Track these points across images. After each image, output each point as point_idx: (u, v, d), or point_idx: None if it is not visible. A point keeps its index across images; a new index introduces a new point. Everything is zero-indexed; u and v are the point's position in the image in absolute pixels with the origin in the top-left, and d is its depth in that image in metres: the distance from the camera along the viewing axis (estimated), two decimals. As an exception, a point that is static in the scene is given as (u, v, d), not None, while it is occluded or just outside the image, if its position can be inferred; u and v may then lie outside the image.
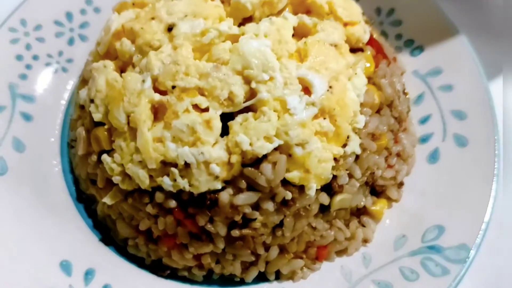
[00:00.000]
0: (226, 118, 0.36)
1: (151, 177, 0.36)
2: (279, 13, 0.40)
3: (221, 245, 0.39)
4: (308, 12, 0.41)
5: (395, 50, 0.51)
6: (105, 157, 0.38)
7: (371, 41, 0.42)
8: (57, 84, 0.48)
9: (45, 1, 0.50)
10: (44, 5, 0.50)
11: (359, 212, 0.42)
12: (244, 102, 0.35)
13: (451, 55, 0.48)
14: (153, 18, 0.38)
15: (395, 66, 0.47)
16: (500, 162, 0.42)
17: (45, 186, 0.44)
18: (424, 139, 0.46)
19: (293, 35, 0.39)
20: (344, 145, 0.37)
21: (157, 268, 0.41)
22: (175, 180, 0.35)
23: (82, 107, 0.41)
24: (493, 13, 0.56)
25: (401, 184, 0.44)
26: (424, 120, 0.47)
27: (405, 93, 0.47)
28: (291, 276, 0.41)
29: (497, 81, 0.51)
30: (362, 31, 0.41)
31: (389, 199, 0.43)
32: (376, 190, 0.42)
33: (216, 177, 0.35)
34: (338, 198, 0.38)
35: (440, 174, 0.44)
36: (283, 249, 0.40)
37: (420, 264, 0.39)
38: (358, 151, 0.38)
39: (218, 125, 0.35)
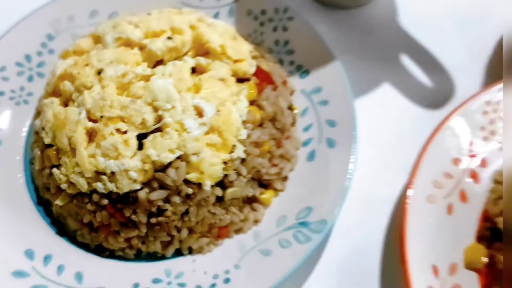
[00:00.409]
0: (141, 137, 0.49)
1: (88, 183, 0.49)
2: (183, 56, 0.53)
3: (144, 230, 0.50)
4: (206, 53, 0.54)
5: (288, 74, 0.64)
6: (55, 170, 0.51)
7: (257, 72, 0.55)
8: (20, 114, 0.59)
9: (8, 47, 0.63)
10: (7, 50, 0.63)
11: (251, 200, 0.54)
12: (153, 125, 0.49)
13: (329, 77, 0.61)
14: (87, 65, 0.51)
15: (284, 88, 0.61)
16: (356, 157, 0.56)
17: (12, 194, 0.55)
18: (305, 143, 0.58)
19: (193, 72, 0.53)
20: (231, 152, 0.51)
21: (99, 251, 0.53)
22: (105, 184, 0.48)
23: (37, 133, 0.54)
24: (367, 42, 0.71)
25: (285, 178, 0.57)
26: (306, 128, 0.59)
27: (291, 108, 0.61)
28: (200, 250, 0.52)
29: (363, 96, 0.66)
30: (248, 66, 0.54)
31: (275, 190, 0.57)
32: (263, 183, 0.56)
33: (135, 181, 0.48)
34: (229, 190, 0.51)
35: (315, 168, 0.57)
36: (191, 231, 0.51)
37: (292, 236, 0.51)
38: (243, 155, 0.51)
39: (134, 143, 0.48)
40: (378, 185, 0.59)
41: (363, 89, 0.66)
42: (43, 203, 0.57)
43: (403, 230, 0.51)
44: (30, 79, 0.62)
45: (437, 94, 0.66)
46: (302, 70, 0.62)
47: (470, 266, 0.53)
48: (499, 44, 0.69)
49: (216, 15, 0.66)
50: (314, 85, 0.61)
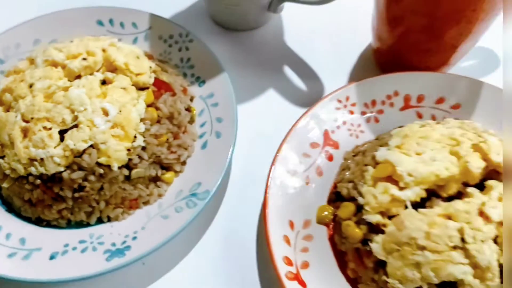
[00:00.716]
0: (63, 132, 0.66)
1: (25, 168, 0.65)
2: (95, 71, 0.71)
3: (70, 203, 0.65)
4: (115, 69, 0.72)
5: (189, 84, 0.82)
6: (0, 160, 0.68)
7: (156, 83, 0.73)
8: None
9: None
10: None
11: (155, 179, 0.70)
12: (71, 123, 0.66)
13: (219, 85, 0.78)
14: (22, 80, 0.68)
15: (183, 95, 0.79)
16: (234, 146, 0.73)
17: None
18: (201, 136, 0.76)
19: (103, 84, 0.70)
20: (133, 142, 0.68)
21: (38, 222, 0.69)
22: (37, 168, 0.65)
23: None
24: (257, 57, 0.89)
25: (184, 162, 0.74)
26: (202, 125, 0.76)
27: (189, 110, 0.79)
28: (116, 218, 0.67)
29: (251, 99, 0.84)
30: (147, 78, 0.72)
31: (175, 171, 0.74)
32: (164, 166, 0.73)
33: (59, 164, 0.64)
34: (134, 171, 0.68)
35: (206, 155, 0.74)
36: (108, 203, 0.67)
37: (185, 204, 0.68)
38: (143, 144, 0.68)
39: (56, 136, 0.64)
40: (255, 166, 0.76)
41: (251, 94, 0.84)
42: (-5, 188, 0.72)
43: (266, 195, 0.68)
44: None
45: (310, 96, 0.84)
46: (200, 81, 0.80)
47: (320, 221, 0.70)
48: (361, 55, 0.88)
49: (134, 40, 0.84)
50: (209, 91, 0.78)
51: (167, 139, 0.71)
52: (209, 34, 0.89)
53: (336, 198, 0.71)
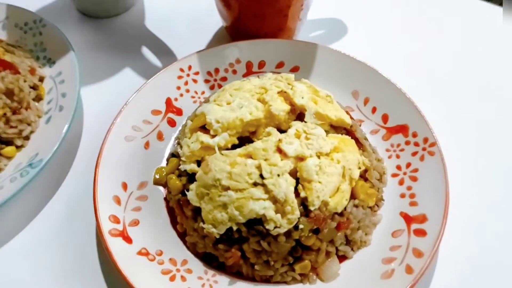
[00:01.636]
0: None
1: None
2: None
3: None
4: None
5: (41, 65, 0.83)
6: None
7: None
8: None
9: None
10: None
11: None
12: None
13: (67, 64, 0.82)
14: None
15: (29, 75, 0.80)
16: (74, 117, 0.75)
17: None
18: (47, 112, 0.79)
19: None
20: None
21: None
22: None
23: None
24: (118, 41, 0.93)
25: (27, 137, 0.76)
26: (49, 102, 0.80)
27: (35, 88, 0.81)
28: None
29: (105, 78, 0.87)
30: None
31: (17, 146, 0.75)
32: (5, 141, 0.75)
33: None
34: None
35: (49, 129, 0.77)
36: None
37: (19, 174, 0.70)
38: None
39: None
40: (100, 135, 0.77)
41: (107, 74, 0.86)
42: None
43: (97, 160, 0.70)
44: None
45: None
46: (51, 62, 0.82)
47: (156, 182, 0.72)
48: (216, 34, 0.92)
49: (-8, 29, 0.87)
50: (57, 71, 0.81)
51: (5, 114, 0.72)
52: (73, 22, 0.93)
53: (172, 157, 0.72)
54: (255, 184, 0.59)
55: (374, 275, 0.60)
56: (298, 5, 0.77)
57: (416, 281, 0.58)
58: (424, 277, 0.61)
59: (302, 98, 0.64)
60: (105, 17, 0.94)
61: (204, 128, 0.65)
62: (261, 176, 0.59)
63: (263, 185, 0.59)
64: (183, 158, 0.64)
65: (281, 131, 0.64)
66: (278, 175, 0.58)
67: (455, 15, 0.94)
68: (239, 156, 0.60)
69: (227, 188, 0.59)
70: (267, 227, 0.58)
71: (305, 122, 0.63)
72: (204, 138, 0.63)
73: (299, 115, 0.65)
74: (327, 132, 0.64)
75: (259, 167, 0.59)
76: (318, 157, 0.60)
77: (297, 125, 0.62)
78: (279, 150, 0.60)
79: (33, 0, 0.92)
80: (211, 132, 0.64)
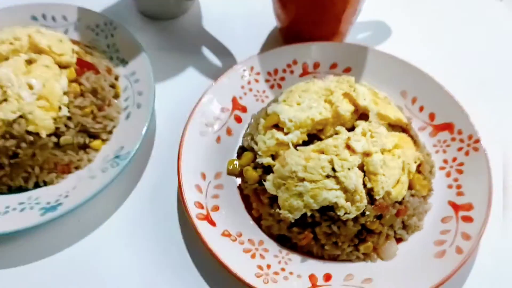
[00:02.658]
0: None
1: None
2: (23, 54, 0.81)
3: (8, 169, 0.74)
4: (41, 51, 0.82)
5: (114, 65, 0.93)
6: None
7: (79, 62, 0.84)
8: None
9: None
10: None
11: (84, 146, 0.81)
12: (1, 98, 0.76)
13: (140, 64, 0.88)
14: None
15: (107, 75, 0.89)
16: (152, 114, 0.84)
17: None
18: (125, 108, 0.87)
19: (30, 63, 0.81)
20: (59, 112, 0.79)
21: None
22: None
23: None
24: (179, 41, 1.01)
25: (110, 132, 0.85)
26: (126, 99, 0.87)
27: (114, 87, 0.90)
28: (51, 182, 0.75)
29: (172, 76, 0.95)
30: (69, 58, 0.82)
31: (103, 139, 0.85)
32: (92, 135, 0.84)
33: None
34: (62, 138, 0.78)
35: (129, 123, 0.86)
36: (42, 168, 0.77)
37: (110, 165, 0.77)
38: (68, 114, 0.78)
39: None
40: (174, 131, 0.86)
41: (172, 72, 0.95)
42: None
43: (179, 154, 0.79)
44: None
45: (225, 70, 0.95)
46: (124, 62, 0.91)
47: (229, 173, 0.81)
48: (270, 35, 1.00)
49: (66, 31, 0.94)
50: (131, 70, 0.89)
51: (92, 111, 0.81)
52: (136, 24, 1.01)
53: (241, 151, 0.81)
54: (327, 176, 0.68)
55: (428, 255, 0.70)
56: (352, 11, 0.85)
57: (466, 260, 0.67)
58: (470, 260, 0.70)
59: (365, 99, 0.73)
60: (165, 19, 1.02)
61: (276, 126, 0.74)
62: (333, 170, 0.68)
63: (335, 177, 0.68)
64: (259, 153, 0.73)
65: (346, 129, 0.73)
66: (349, 169, 0.67)
67: (496, 17, 1.02)
68: (312, 151, 0.69)
69: (302, 180, 0.68)
70: (338, 213, 0.67)
71: (369, 121, 0.72)
72: (279, 135, 0.72)
73: (361, 115, 0.74)
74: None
75: (331, 162, 0.68)
76: (382, 153, 0.69)
77: (362, 124, 0.71)
78: (348, 147, 0.69)
79: (95, 2, 0.99)
80: (285, 130, 0.72)
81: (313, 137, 0.73)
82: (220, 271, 0.70)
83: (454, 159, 0.78)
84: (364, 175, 0.68)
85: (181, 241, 0.76)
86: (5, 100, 0.74)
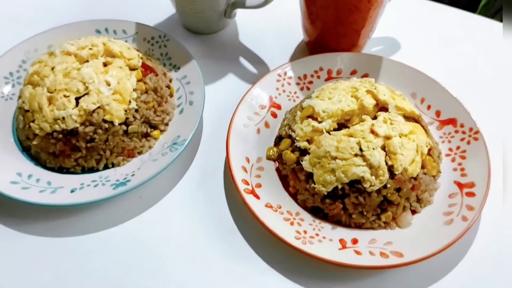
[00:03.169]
0: (78, 99, 0.92)
1: (50, 126, 0.90)
2: (100, 57, 0.98)
3: (84, 152, 0.91)
4: (113, 56, 0.99)
5: (168, 70, 1.10)
6: (31, 124, 0.93)
7: (143, 65, 1.00)
8: (8, 106, 1.02)
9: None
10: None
11: (146, 135, 0.95)
12: (83, 92, 0.91)
13: (190, 69, 1.06)
14: (46, 66, 0.94)
15: (163, 77, 1.06)
16: (203, 110, 1.00)
17: (6, 149, 0.94)
18: (179, 105, 1.03)
19: (105, 66, 0.97)
20: (129, 105, 0.94)
21: (60, 170, 0.92)
22: (59, 125, 0.90)
23: (19, 108, 0.96)
24: (219, 52, 1.18)
25: (167, 124, 1.00)
26: (179, 98, 1.04)
27: (169, 87, 1.06)
28: (118, 164, 0.89)
29: (217, 79, 1.12)
30: (136, 62, 0.99)
31: (161, 130, 1.00)
32: (153, 126, 0.99)
33: (75, 121, 0.90)
34: (130, 127, 0.93)
35: (183, 117, 1.01)
36: (111, 152, 0.93)
37: (169, 149, 0.92)
38: (136, 107, 0.94)
39: (73, 101, 0.89)
40: (220, 124, 1.02)
41: (216, 77, 1.11)
42: (26, 150, 0.97)
43: (227, 142, 0.94)
44: (13, 86, 1.04)
45: (259, 76, 1.11)
46: (176, 67, 1.07)
47: (268, 158, 0.96)
48: (297, 47, 1.17)
49: (126, 42, 1.11)
50: (183, 74, 1.05)
51: (153, 106, 0.97)
52: (182, 37, 1.17)
53: (279, 141, 0.97)
54: (356, 155, 0.83)
55: (439, 223, 0.84)
56: (370, 27, 1.02)
57: (470, 226, 0.82)
58: (474, 227, 0.85)
59: (384, 95, 0.89)
60: (206, 33, 1.19)
61: (311, 117, 0.90)
62: (360, 149, 0.83)
63: (362, 155, 0.83)
64: (297, 138, 0.88)
65: (368, 119, 0.88)
66: (373, 149, 0.83)
67: (490, 32, 1.20)
68: (343, 135, 0.85)
69: (335, 158, 0.83)
70: (364, 185, 0.82)
71: (389, 112, 0.87)
72: (314, 123, 0.87)
73: (381, 108, 0.90)
74: (402, 120, 0.88)
75: (358, 143, 0.83)
76: (400, 137, 0.84)
77: (383, 114, 0.87)
78: (372, 131, 0.84)
79: (150, 19, 1.16)
80: (318, 119, 0.88)
81: (341, 126, 0.89)
82: (262, 237, 0.84)
83: (458, 148, 0.93)
84: (386, 155, 0.83)
85: (228, 213, 0.90)
86: (87, 93, 0.89)
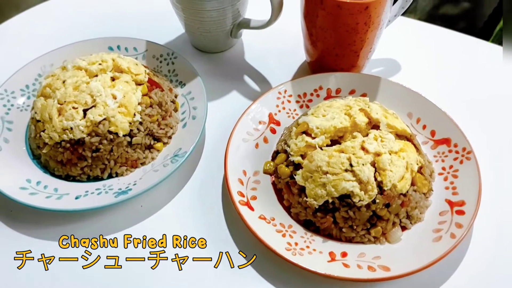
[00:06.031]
0: (85, 110, 0.98)
1: (59, 136, 0.96)
2: (108, 72, 1.04)
3: (90, 161, 0.97)
4: (121, 71, 1.05)
5: (174, 86, 1.15)
6: (42, 133, 0.99)
7: (150, 81, 1.05)
8: (23, 116, 1.09)
9: (15, 81, 1.12)
10: (15, 82, 1.13)
11: (149, 147, 0.99)
12: (91, 104, 0.97)
13: (195, 86, 1.11)
14: (57, 79, 1.01)
15: (169, 93, 1.11)
16: (205, 124, 1.05)
17: (18, 157, 1.01)
18: (182, 119, 1.08)
19: (113, 80, 1.03)
20: (133, 118, 1.00)
21: (67, 178, 0.98)
22: (67, 135, 0.96)
23: (32, 118, 1.02)
24: (225, 70, 1.23)
25: (170, 137, 1.05)
26: (183, 113, 1.09)
27: (174, 102, 1.11)
28: (122, 174, 0.96)
29: (220, 96, 1.17)
30: (143, 77, 1.04)
31: (164, 143, 1.05)
32: (156, 138, 1.04)
33: (83, 132, 0.95)
34: (134, 139, 0.98)
35: (186, 131, 1.06)
36: (116, 162, 0.98)
37: (170, 161, 0.97)
38: (140, 120, 0.99)
39: (81, 113, 0.95)
40: (221, 138, 1.06)
41: (220, 94, 1.16)
42: (36, 158, 1.03)
43: (226, 153, 0.98)
44: (28, 97, 1.11)
45: (262, 94, 1.16)
46: (182, 84, 1.12)
47: (265, 171, 1.00)
48: (300, 67, 1.21)
49: (136, 59, 1.18)
50: (188, 90, 1.10)
51: (157, 119, 1.02)
52: (191, 55, 1.23)
53: (276, 155, 1.00)
54: (346, 170, 0.86)
55: (428, 240, 0.86)
56: (368, 48, 1.06)
57: (458, 243, 0.83)
58: (463, 244, 0.86)
59: (377, 113, 0.92)
60: (214, 52, 1.24)
61: (305, 133, 0.93)
62: (350, 165, 0.86)
63: (352, 171, 0.86)
64: (291, 153, 0.92)
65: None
66: (363, 165, 0.85)
67: (484, 55, 1.22)
68: (334, 151, 0.88)
69: (326, 173, 0.86)
70: (354, 200, 0.85)
71: (380, 130, 0.90)
72: (308, 139, 0.91)
73: (373, 126, 0.93)
74: (394, 138, 0.91)
75: (349, 159, 0.86)
76: (390, 154, 0.87)
77: (374, 131, 0.90)
78: (363, 148, 0.87)
79: (159, 38, 1.22)
80: (312, 135, 0.91)
81: (335, 142, 0.92)
82: (255, 247, 0.87)
83: (451, 167, 0.95)
84: (375, 171, 0.86)
85: (224, 224, 0.94)
86: (95, 106, 0.95)
